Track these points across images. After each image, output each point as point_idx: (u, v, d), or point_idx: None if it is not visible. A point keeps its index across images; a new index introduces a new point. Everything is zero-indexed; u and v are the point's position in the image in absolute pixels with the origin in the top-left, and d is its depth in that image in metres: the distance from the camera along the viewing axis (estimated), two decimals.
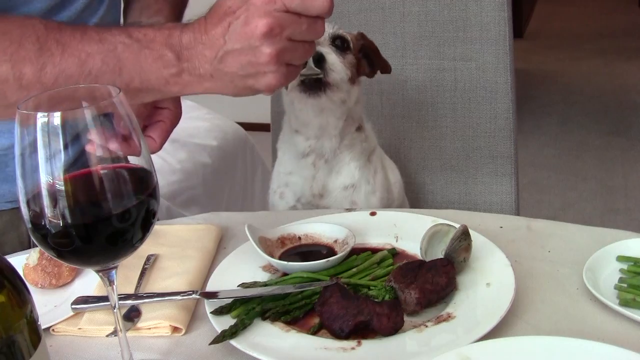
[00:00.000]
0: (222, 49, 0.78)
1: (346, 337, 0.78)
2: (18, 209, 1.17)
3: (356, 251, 0.95)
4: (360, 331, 0.78)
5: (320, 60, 1.11)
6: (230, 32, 0.78)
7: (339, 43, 1.17)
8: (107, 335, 0.83)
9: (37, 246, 0.83)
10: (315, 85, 1.13)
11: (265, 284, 0.88)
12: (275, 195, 1.31)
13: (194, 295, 0.85)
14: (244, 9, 0.77)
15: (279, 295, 0.85)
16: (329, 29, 1.17)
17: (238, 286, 0.88)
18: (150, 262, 0.96)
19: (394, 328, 0.77)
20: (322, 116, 1.20)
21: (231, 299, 0.84)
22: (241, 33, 0.77)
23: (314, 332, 0.80)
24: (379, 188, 1.28)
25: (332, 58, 1.13)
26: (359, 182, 1.25)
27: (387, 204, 1.30)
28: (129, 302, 0.86)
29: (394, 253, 0.96)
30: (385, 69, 1.27)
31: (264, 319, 0.82)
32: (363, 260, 0.93)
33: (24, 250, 1.07)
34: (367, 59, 1.25)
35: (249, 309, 0.82)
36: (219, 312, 0.82)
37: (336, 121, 1.21)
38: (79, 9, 1.07)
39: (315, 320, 0.82)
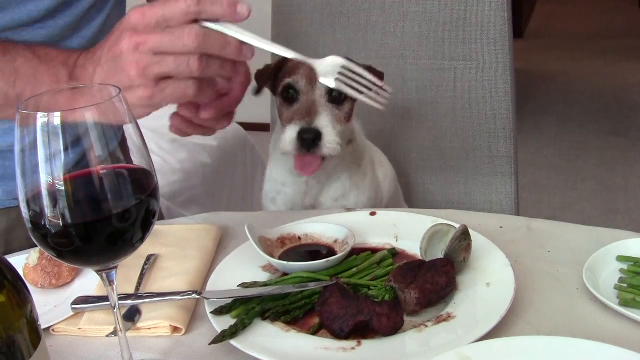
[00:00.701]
0: (99, 65, 0.82)
1: (346, 337, 0.78)
2: None
3: (356, 251, 0.95)
4: (360, 331, 0.78)
5: (315, 138, 1.09)
6: (105, 49, 0.82)
7: (336, 94, 1.14)
8: (107, 335, 0.83)
9: (37, 246, 0.83)
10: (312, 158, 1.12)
11: (265, 284, 0.88)
12: (267, 199, 1.30)
13: (194, 295, 0.85)
14: (119, 26, 0.81)
15: (278, 295, 0.84)
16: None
17: (238, 286, 0.88)
18: (150, 262, 0.96)
19: (394, 328, 0.77)
20: None
21: (231, 299, 0.84)
22: (111, 49, 0.81)
23: (314, 332, 0.80)
24: (368, 190, 1.28)
25: (329, 132, 1.10)
26: (349, 191, 1.26)
27: (376, 202, 1.30)
28: (129, 302, 0.86)
29: (394, 253, 0.96)
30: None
31: (264, 318, 0.82)
32: (363, 260, 0.93)
33: (32, 247, 1.07)
34: None
35: (249, 309, 0.82)
36: (219, 312, 0.82)
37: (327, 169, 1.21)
38: (86, 7, 1.08)
39: (315, 320, 0.82)
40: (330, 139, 1.10)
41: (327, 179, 1.24)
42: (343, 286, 0.83)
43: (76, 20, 1.08)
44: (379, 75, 1.21)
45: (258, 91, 1.22)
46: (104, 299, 0.85)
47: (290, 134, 1.11)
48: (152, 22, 0.78)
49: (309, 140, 1.09)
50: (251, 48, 0.82)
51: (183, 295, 0.85)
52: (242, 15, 0.80)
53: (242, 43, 0.81)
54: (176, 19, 0.78)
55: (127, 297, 0.86)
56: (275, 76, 1.20)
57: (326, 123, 1.11)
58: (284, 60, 1.19)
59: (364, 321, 0.77)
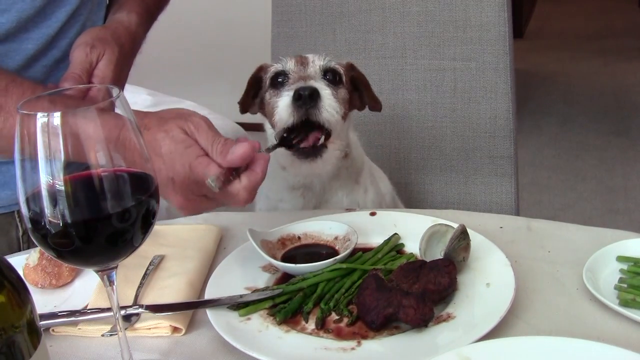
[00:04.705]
0: None
1: (378, 329, 0.78)
2: (8, 214, 1.18)
3: (357, 251, 0.95)
4: (392, 323, 0.79)
5: (313, 96, 0.99)
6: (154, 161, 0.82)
7: (331, 76, 1.09)
8: (102, 335, 0.83)
9: (35, 246, 0.83)
10: (311, 151, 1.03)
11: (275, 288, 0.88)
12: None
13: (140, 310, 0.84)
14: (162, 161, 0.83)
15: (284, 293, 0.85)
16: (320, 60, 1.09)
17: (254, 292, 0.87)
18: (154, 263, 0.96)
19: (422, 319, 0.77)
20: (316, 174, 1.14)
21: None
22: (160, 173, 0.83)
23: (319, 327, 0.81)
24: (370, 205, 1.22)
25: (327, 95, 1.02)
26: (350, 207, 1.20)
27: None
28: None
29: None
30: (375, 106, 1.17)
31: (270, 314, 0.83)
32: (374, 254, 0.94)
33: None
34: (357, 91, 1.17)
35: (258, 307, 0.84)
36: (235, 307, 0.83)
37: (329, 169, 1.13)
38: (61, 19, 1.10)
39: (314, 319, 0.82)
40: (329, 102, 1.01)
41: (322, 193, 1.19)
42: (380, 277, 0.83)
43: (52, 34, 1.10)
44: (377, 104, 1.18)
45: (244, 109, 1.18)
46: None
47: (284, 100, 1.01)
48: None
49: (306, 97, 0.98)
50: None
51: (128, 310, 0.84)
52: None
53: None
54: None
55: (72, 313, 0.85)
56: (256, 91, 1.15)
57: (322, 86, 1.03)
58: (259, 69, 1.15)
59: (392, 313, 0.77)
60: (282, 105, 1.01)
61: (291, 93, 1.00)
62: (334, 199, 1.20)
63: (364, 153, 1.27)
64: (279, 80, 1.09)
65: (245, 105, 1.17)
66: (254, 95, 1.16)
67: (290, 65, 1.09)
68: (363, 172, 1.24)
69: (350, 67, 1.15)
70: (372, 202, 1.23)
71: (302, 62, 1.10)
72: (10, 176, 1.09)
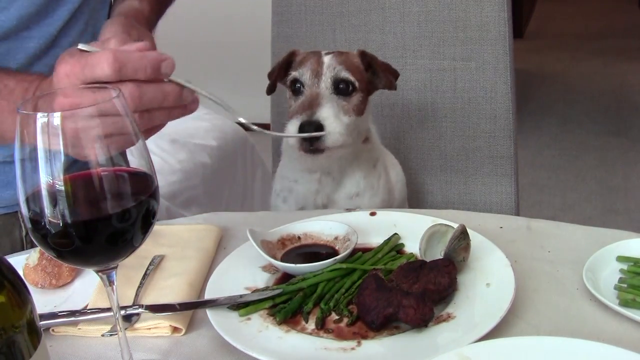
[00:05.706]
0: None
1: (378, 329, 0.78)
2: (11, 214, 1.18)
3: (357, 251, 0.95)
4: (392, 323, 0.79)
5: (318, 128, 1.08)
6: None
7: (343, 86, 1.15)
8: (102, 335, 0.83)
9: (36, 246, 0.83)
10: (314, 150, 1.11)
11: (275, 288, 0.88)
12: (279, 198, 1.29)
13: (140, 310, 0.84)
14: (55, 72, 0.78)
15: (284, 293, 0.85)
16: (330, 72, 1.14)
17: (254, 292, 0.87)
18: (155, 263, 0.96)
19: (422, 319, 0.77)
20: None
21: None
22: (51, 104, 0.76)
23: (319, 327, 0.81)
24: (382, 191, 1.27)
25: (330, 124, 1.09)
26: (363, 190, 1.25)
27: (388, 204, 1.30)
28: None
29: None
30: (390, 86, 1.24)
31: (270, 314, 0.82)
32: (374, 254, 0.94)
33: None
34: (375, 73, 1.22)
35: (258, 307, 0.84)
36: (235, 307, 0.83)
37: (335, 160, 1.20)
38: (62, 19, 1.10)
39: (314, 318, 0.82)
40: (332, 130, 1.09)
41: (340, 176, 1.23)
42: (380, 277, 0.82)
43: (53, 33, 1.10)
44: (394, 73, 1.24)
45: (271, 90, 1.24)
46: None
47: (291, 128, 1.10)
48: (79, 83, 0.76)
49: (310, 132, 1.08)
50: (191, 90, 0.82)
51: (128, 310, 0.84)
52: (166, 74, 0.78)
53: (181, 89, 0.81)
54: (103, 81, 0.75)
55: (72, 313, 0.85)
56: (286, 71, 1.21)
57: (328, 114, 1.10)
58: (292, 54, 1.22)
59: (392, 313, 0.77)
60: (290, 132, 1.10)
61: (297, 123, 1.09)
62: (351, 180, 1.25)
63: (381, 145, 1.33)
64: (296, 86, 1.18)
65: (272, 88, 1.25)
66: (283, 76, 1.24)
67: (305, 77, 1.16)
68: (379, 160, 1.30)
69: (362, 55, 1.21)
70: (384, 188, 1.28)
71: (317, 72, 1.15)
72: (12, 176, 1.08)
